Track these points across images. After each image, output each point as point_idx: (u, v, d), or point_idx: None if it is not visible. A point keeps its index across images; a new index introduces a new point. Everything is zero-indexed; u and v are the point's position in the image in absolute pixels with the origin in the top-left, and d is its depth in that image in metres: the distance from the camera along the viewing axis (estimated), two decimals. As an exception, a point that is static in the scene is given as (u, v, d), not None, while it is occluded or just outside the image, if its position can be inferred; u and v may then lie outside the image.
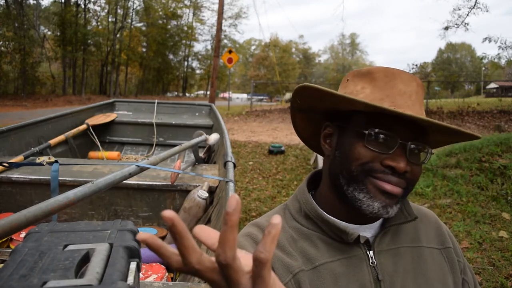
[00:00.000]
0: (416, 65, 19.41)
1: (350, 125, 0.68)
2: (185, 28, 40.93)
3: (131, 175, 1.43)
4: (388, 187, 0.64)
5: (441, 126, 0.62)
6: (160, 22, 37.29)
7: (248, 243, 0.69)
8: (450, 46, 54.14)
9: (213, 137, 2.48)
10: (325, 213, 0.70)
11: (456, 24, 13.69)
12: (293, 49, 58.88)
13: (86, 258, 0.37)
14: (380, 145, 0.64)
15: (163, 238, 1.74)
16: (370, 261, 0.67)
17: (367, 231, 0.71)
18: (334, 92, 0.66)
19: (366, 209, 0.64)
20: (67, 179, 1.78)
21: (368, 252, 0.68)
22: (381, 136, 0.64)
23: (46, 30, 29.64)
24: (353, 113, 0.68)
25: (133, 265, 0.40)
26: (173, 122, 3.55)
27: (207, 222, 1.72)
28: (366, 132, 0.65)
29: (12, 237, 1.53)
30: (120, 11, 32.94)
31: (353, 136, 0.67)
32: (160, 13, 37.13)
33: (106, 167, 1.98)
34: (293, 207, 0.75)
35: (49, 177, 1.66)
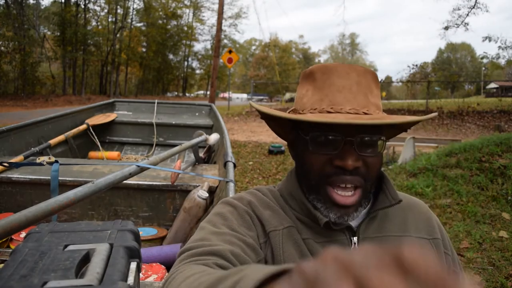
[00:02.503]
0: (416, 65, 19.34)
1: (300, 132, 0.70)
2: (185, 28, 40.91)
3: (131, 175, 1.43)
4: (340, 199, 0.64)
5: (370, 124, 0.61)
6: (160, 22, 37.26)
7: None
8: (450, 46, 54.13)
9: (213, 137, 2.48)
10: (304, 197, 0.71)
11: (456, 24, 13.69)
12: (293, 49, 58.89)
13: (86, 258, 0.37)
14: (327, 147, 0.65)
15: (163, 238, 1.74)
16: (353, 247, 0.68)
17: (353, 222, 0.70)
18: (265, 111, 0.69)
19: (325, 216, 0.66)
20: (67, 179, 1.78)
21: (352, 238, 0.68)
22: (323, 137, 0.65)
23: (46, 30, 29.62)
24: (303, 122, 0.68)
25: (133, 265, 0.40)
26: (173, 122, 3.55)
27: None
28: (308, 137, 0.66)
29: (12, 237, 1.53)
30: (120, 11, 32.95)
31: (302, 144, 0.69)
32: (160, 13, 37.11)
33: (106, 167, 1.98)
34: (286, 191, 0.77)
35: (49, 177, 1.66)
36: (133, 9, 34.87)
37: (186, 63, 44.27)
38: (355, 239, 0.68)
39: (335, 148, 0.64)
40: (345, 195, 0.64)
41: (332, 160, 0.64)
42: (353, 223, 0.70)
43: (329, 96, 0.66)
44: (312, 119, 0.61)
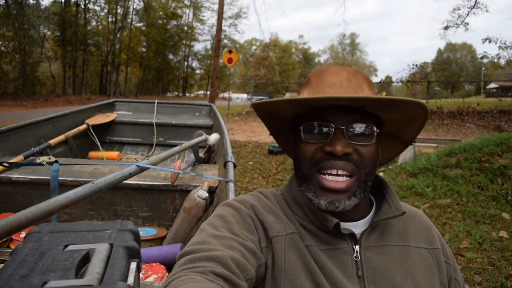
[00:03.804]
0: (416, 65, 19.29)
1: (296, 128, 0.72)
2: (185, 28, 40.94)
3: (131, 175, 1.42)
4: (330, 184, 0.65)
5: (360, 99, 0.64)
6: (160, 22, 37.27)
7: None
8: (450, 46, 54.15)
9: (213, 137, 2.48)
10: (307, 199, 0.71)
11: (456, 24, 13.68)
12: (293, 49, 58.92)
13: (86, 258, 0.37)
14: (319, 136, 0.68)
15: (163, 238, 1.75)
16: (355, 255, 0.68)
17: (356, 229, 0.71)
18: (266, 101, 0.72)
19: (317, 206, 0.67)
20: (67, 179, 1.78)
21: (354, 246, 0.69)
22: (315, 127, 0.68)
23: (46, 30, 29.61)
24: (298, 119, 0.72)
25: (133, 265, 0.40)
26: (173, 122, 3.54)
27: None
28: (301, 128, 0.69)
29: (12, 237, 1.53)
30: (120, 11, 32.96)
31: (298, 138, 0.71)
32: (160, 13, 37.12)
33: (106, 167, 1.97)
34: (289, 196, 0.77)
35: (49, 177, 1.66)
36: (133, 9, 34.90)
37: (186, 63, 44.31)
38: (357, 247, 0.69)
39: (326, 137, 0.67)
40: (336, 180, 0.66)
41: (323, 147, 0.67)
42: (356, 231, 0.70)
43: (321, 91, 0.70)
44: (300, 97, 0.66)
